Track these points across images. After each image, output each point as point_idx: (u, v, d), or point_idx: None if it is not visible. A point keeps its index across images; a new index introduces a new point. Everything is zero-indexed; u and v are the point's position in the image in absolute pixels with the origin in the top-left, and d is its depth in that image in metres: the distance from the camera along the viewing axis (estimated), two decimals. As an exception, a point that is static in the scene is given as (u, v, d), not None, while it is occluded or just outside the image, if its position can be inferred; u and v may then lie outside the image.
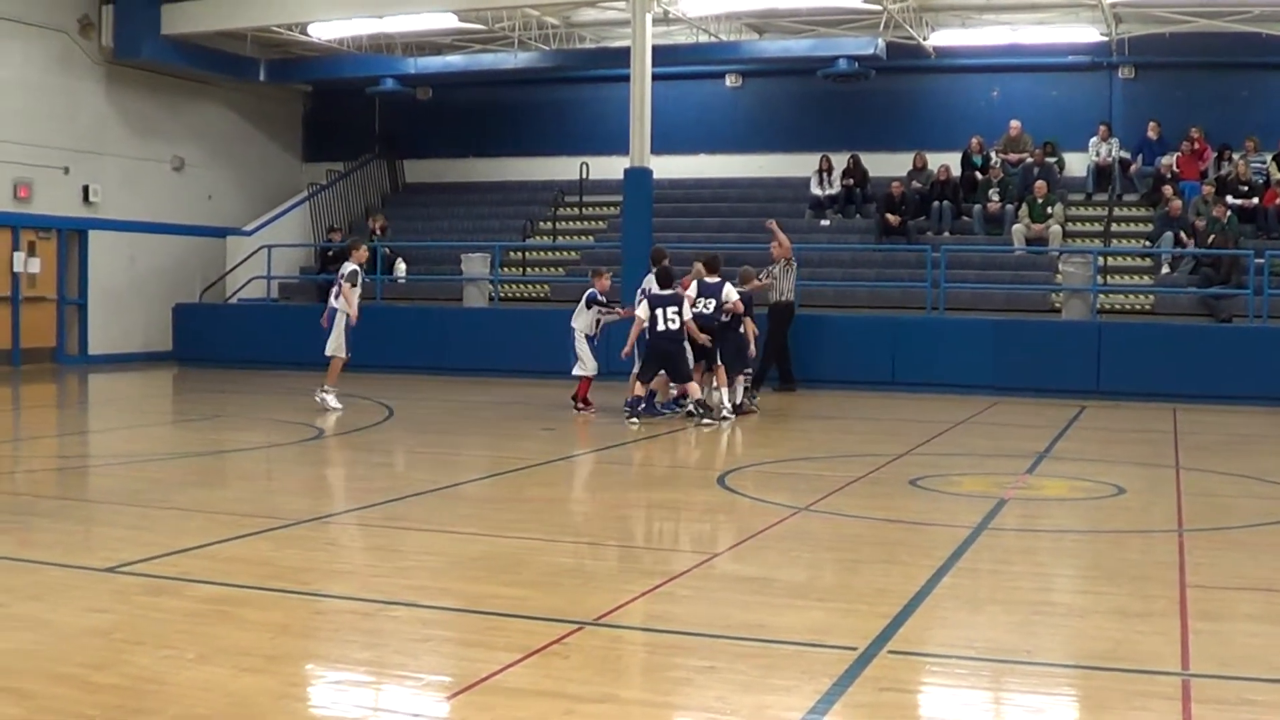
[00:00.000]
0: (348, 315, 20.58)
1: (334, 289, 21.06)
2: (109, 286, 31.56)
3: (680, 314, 19.25)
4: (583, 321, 20.73)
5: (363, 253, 21.44)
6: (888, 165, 31.47)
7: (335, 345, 20.67)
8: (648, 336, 19.58)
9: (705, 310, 19.60)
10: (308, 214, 35.10)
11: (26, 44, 29.47)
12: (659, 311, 19.23)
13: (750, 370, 20.97)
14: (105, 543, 10.25)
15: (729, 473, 14.55)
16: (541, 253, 32.98)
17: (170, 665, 6.79)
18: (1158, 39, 29.30)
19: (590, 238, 32.93)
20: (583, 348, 20.62)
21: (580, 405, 20.60)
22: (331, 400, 20.45)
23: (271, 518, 11.44)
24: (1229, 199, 27.40)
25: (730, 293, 19.61)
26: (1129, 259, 28.62)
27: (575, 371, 20.70)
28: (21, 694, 6.29)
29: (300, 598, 8.47)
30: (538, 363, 26.03)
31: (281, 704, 6.34)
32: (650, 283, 19.99)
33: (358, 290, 20.79)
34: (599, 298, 20.78)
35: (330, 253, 31.95)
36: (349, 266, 20.80)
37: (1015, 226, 28.69)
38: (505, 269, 31.90)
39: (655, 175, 27.80)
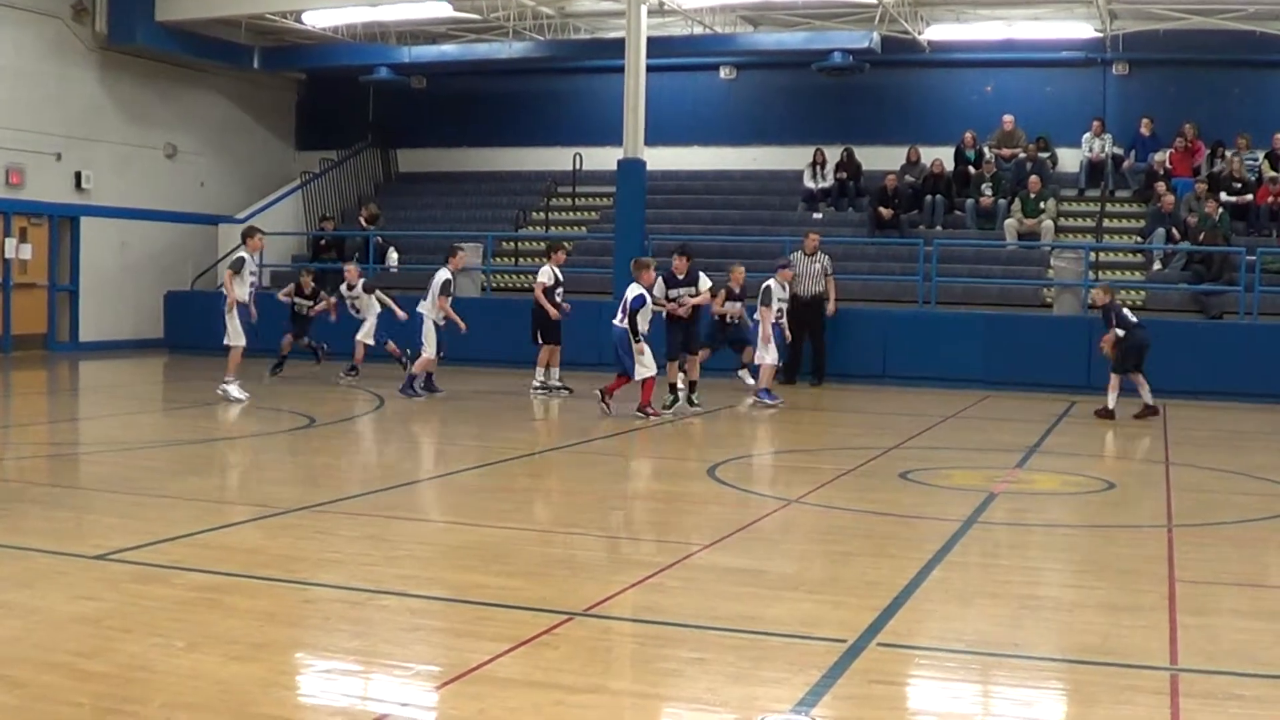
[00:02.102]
0: (241, 304, 20.25)
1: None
2: (100, 273, 31.51)
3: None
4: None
5: (256, 241, 21.04)
6: (881, 159, 31.48)
7: (231, 334, 20.25)
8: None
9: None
10: (300, 202, 35.04)
11: (19, 29, 29.39)
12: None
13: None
14: (95, 530, 10.25)
15: (719, 465, 14.55)
16: (534, 243, 32.92)
17: (160, 653, 6.79)
18: (1152, 36, 29.31)
19: (583, 228, 32.89)
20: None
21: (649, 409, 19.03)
22: (234, 391, 20.04)
23: (261, 506, 11.44)
24: (1221, 196, 27.43)
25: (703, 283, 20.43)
26: (1121, 255, 28.61)
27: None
28: (12, 682, 6.30)
29: (289, 586, 8.48)
30: (529, 353, 26.01)
31: (270, 692, 6.34)
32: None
33: (240, 278, 20.29)
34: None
35: (323, 241, 31.94)
36: (237, 254, 20.60)
37: (1008, 221, 28.69)
38: (498, 259, 31.91)
39: (649, 166, 27.79)
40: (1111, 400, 20.15)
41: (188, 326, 30.99)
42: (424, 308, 21.31)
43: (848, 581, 9.10)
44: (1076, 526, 11.82)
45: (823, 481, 13.51)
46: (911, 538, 10.92)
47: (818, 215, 30.95)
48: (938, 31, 30.75)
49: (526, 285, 30.92)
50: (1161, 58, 30.40)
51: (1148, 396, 20.35)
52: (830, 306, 25.24)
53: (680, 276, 20.04)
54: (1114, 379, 20.34)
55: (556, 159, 34.83)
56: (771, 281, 21.14)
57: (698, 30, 32.00)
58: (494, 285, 30.82)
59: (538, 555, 9.83)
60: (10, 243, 29.37)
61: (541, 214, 34.07)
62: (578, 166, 34.00)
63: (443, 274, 21.31)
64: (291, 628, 7.62)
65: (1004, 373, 24.53)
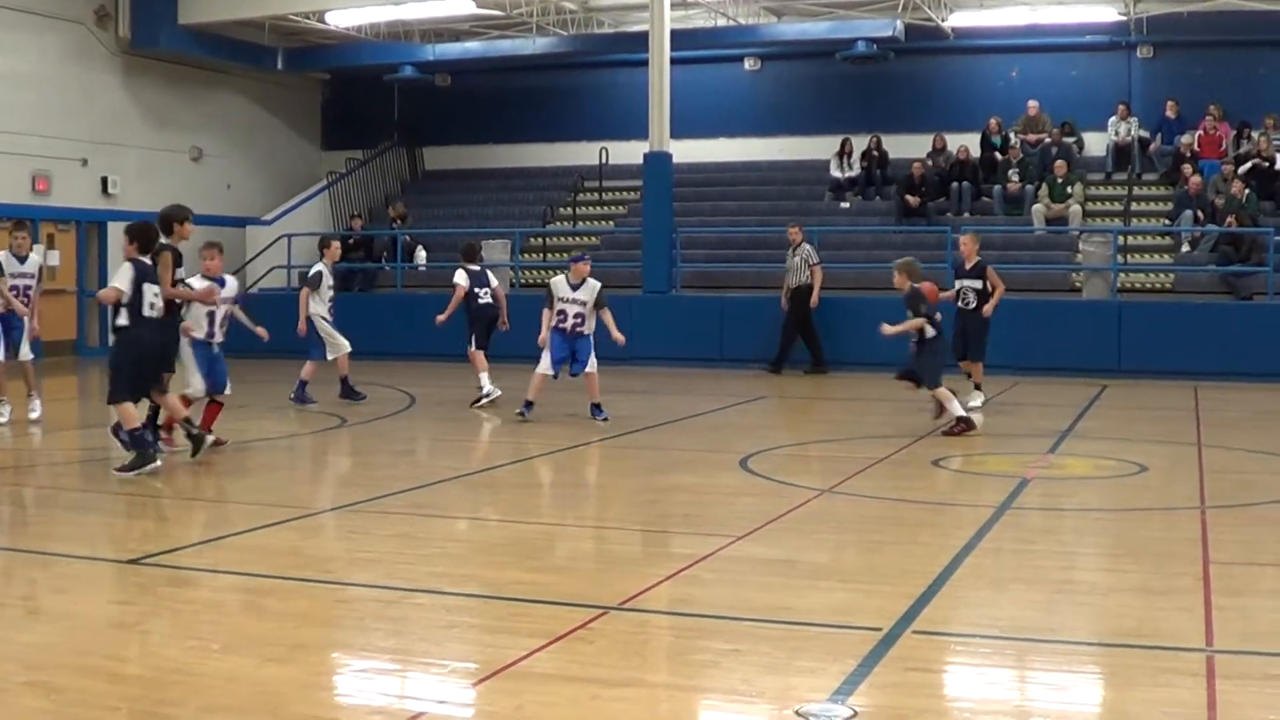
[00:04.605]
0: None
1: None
2: (129, 278, 31.58)
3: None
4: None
5: (3, 237, 17.80)
6: (907, 147, 31.42)
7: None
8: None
9: (486, 300, 20.11)
10: (327, 202, 35.15)
11: (43, 36, 29.50)
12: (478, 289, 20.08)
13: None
14: (129, 535, 10.29)
15: (751, 455, 14.54)
16: (562, 238, 32.97)
17: (196, 656, 6.81)
18: (1176, 18, 29.18)
19: (611, 223, 32.94)
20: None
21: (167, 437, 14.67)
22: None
23: (294, 507, 11.47)
24: (1242, 168, 27.39)
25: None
26: (1149, 238, 28.53)
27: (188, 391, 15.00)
28: (49, 687, 6.32)
29: (324, 587, 8.50)
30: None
31: (307, 693, 6.36)
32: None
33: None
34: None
35: (351, 240, 31.97)
36: None
37: (1035, 207, 28.64)
38: (526, 255, 31.94)
39: (675, 159, 27.80)
40: (957, 408, 16.65)
41: (217, 329, 31.08)
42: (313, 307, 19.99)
43: (882, 570, 9.09)
44: (1110, 510, 11.79)
45: (855, 470, 13.49)
46: (945, 525, 10.91)
47: (845, 204, 30.96)
48: (961, 18, 30.71)
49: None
50: (1186, 39, 30.30)
51: (958, 409, 16.77)
52: (813, 297, 25.19)
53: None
54: (940, 392, 16.68)
55: (583, 154, 34.87)
56: (557, 278, 18.59)
57: (721, 22, 32.01)
58: (523, 281, 30.83)
59: (571, 550, 9.85)
60: (38, 249, 29.43)
61: (569, 209, 34.11)
62: (604, 161, 34.05)
63: (315, 267, 20.29)
64: (327, 628, 7.64)
65: (1034, 358, 24.46)
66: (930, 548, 9.71)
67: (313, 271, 20.13)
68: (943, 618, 7.77)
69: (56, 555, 9.31)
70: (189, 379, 14.80)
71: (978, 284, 19.19)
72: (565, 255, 31.92)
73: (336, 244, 21.42)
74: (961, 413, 16.61)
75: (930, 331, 16.81)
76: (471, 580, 8.91)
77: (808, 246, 25.59)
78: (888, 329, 17.29)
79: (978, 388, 19.35)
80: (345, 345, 19.89)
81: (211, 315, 14.57)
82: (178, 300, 14.05)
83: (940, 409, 16.67)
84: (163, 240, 13.95)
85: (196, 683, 6.40)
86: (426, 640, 7.34)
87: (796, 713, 5.94)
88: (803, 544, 10.06)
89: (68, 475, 13.93)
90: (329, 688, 6.58)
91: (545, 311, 17.98)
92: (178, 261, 13.87)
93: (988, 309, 19.08)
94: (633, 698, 6.29)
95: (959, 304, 19.23)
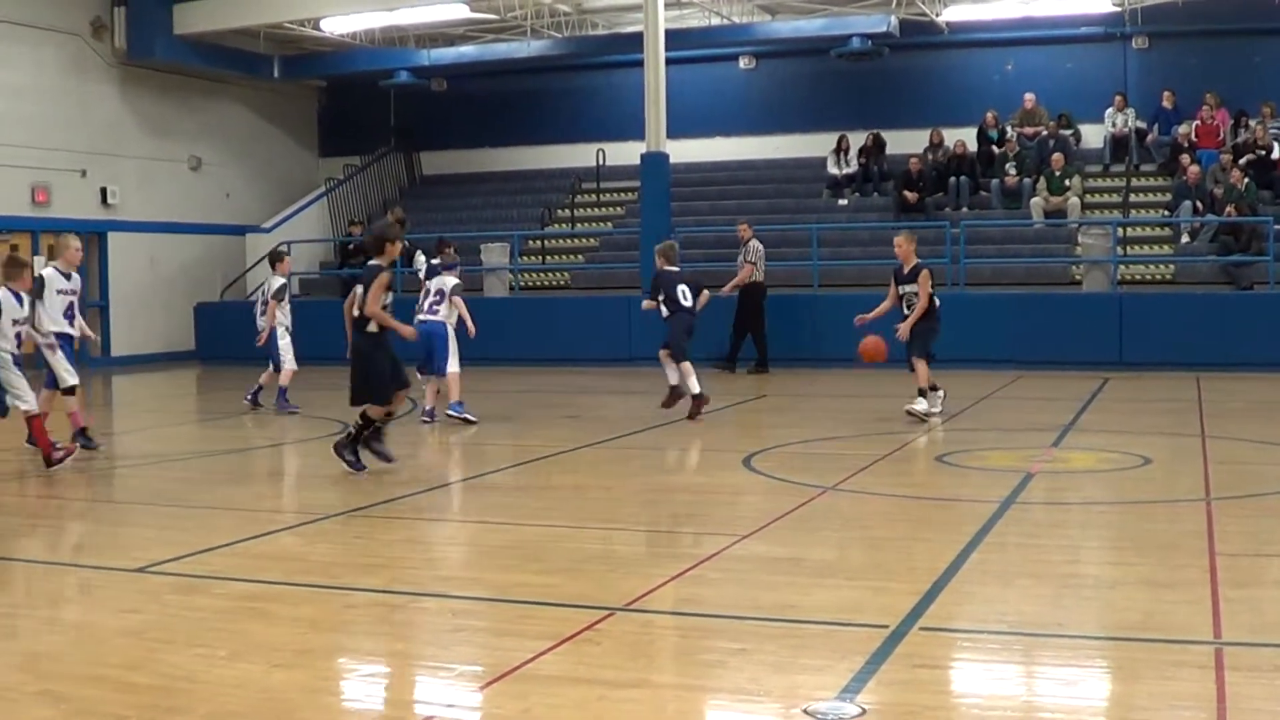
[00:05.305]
0: None
1: None
2: (130, 288, 31.63)
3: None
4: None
5: None
6: (903, 142, 31.44)
7: None
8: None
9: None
10: (326, 209, 35.18)
11: (39, 48, 29.54)
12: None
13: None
14: (135, 543, 10.28)
15: (755, 454, 14.52)
16: (561, 240, 32.99)
17: (203, 663, 6.81)
18: (1170, 7, 29.13)
19: (609, 224, 32.95)
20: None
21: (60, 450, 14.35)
22: None
23: (299, 513, 11.47)
24: (1243, 159, 27.39)
25: (447, 282, 18.40)
26: (1148, 229, 28.54)
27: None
28: (56, 696, 6.31)
29: (330, 592, 8.48)
30: (559, 351, 26.08)
31: (314, 698, 6.36)
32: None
33: None
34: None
35: (351, 246, 31.99)
36: None
37: (1033, 200, 28.65)
38: (525, 258, 31.93)
39: (672, 159, 27.81)
40: (672, 376, 17.94)
41: (219, 338, 31.13)
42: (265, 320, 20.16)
43: (888, 566, 9.08)
44: (1114, 503, 11.78)
45: (859, 467, 13.48)
46: (950, 520, 10.91)
47: (843, 202, 30.97)
48: (955, 12, 30.72)
49: (554, 284, 31.08)
50: (1181, 29, 30.31)
51: (694, 386, 17.82)
52: (727, 287, 25.12)
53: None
54: (664, 355, 18.04)
55: (580, 155, 34.94)
56: (450, 281, 18.30)
57: (715, 21, 32.04)
58: (522, 284, 30.83)
59: (576, 551, 9.83)
60: (39, 260, 29.47)
61: (567, 211, 34.13)
62: (601, 162, 34.11)
63: (275, 280, 20.24)
64: (334, 633, 7.63)
65: (1035, 352, 24.47)
66: (935, 543, 9.70)
67: (277, 285, 20.16)
68: (949, 614, 7.77)
69: (63, 564, 9.31)
70: (63, 377, 15.15)
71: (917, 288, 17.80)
72: (564, 257, 32.11)
73: (289, 259, 21.60)
74: (697, 389, 17.78)
75: (664, 311, 18.02)
76: (476, 584, 8.92)
77: (754, 243, 25.59)
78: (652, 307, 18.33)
79: (933, 388, 17.99)
80: (293, 365, 20.15)
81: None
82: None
83: (671, 396, 17.99)
84: (374, 261, 13.67)
85: (204, 690, 6.39)
86: (433, 644, 7.35)
87: (805, 711, 5.94)
88: (808, 542, 10.05)
89: (73, 484, 13.91)
90: (337, 693, 6.58)
91: (457, 301, 18.10)
92: (390, 284, 13.49)
93: (902, 331, 17.83)
94: (640, 699, 6.29)
95: (905, 310, 18.07)
